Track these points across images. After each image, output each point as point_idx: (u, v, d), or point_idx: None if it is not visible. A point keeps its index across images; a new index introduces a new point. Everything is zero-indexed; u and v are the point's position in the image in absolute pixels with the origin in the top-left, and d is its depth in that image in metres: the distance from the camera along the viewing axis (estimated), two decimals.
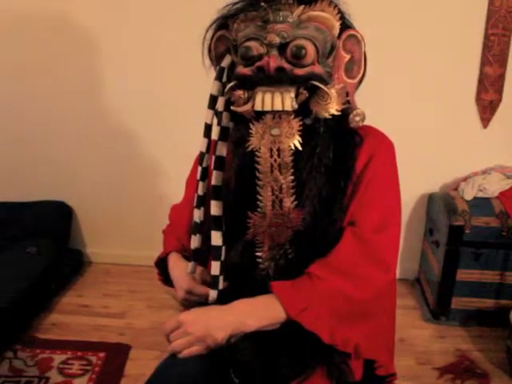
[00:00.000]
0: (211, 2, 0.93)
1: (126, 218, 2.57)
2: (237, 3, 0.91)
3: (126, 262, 2.59)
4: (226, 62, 0.92)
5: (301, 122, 0.85)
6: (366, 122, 0.98)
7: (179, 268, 1.03)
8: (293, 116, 0.85)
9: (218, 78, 0.92)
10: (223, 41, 0.93)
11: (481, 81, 2.22)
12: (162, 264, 1.09)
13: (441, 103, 2.25)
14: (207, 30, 0.95)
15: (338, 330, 0.85)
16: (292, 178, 0.86)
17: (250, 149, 0.85)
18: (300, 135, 0.84)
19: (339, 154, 0.91)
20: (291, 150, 0.84)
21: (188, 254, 1.04)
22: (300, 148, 0.84)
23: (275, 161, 0.85)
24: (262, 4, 0.85)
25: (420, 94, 2.25)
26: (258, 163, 0.86)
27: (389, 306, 0.99)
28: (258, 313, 0.86)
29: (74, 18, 2.29)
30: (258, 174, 0.86)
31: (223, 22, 0.93)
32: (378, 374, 0.94)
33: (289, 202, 0.87)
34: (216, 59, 0.95)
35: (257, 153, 0.85)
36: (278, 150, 0.84)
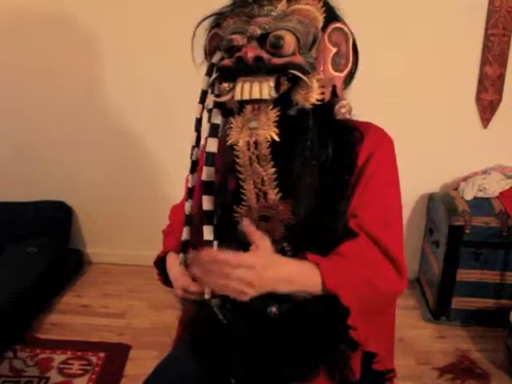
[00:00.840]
0: (210, 2, 0.93)
1: (126, 218, 2.57)
2: (232, 4, 0.92)
3: (126, 262, 2.59)
4: (215, 58, 0.92)
5: (279, 113, 0.84)
6: (367, 120, 0.98)
7: (176, 267, 1.02)
8: (271, 107, 0.84)
9: (208, 73, 0.93)
10: (216, 39, 0.94)
11: (481, 81, 2.22)
12: (160, 264, 1.09)
13: (441, 103, 2.25)
14: (197, 27, 0.95)
15: (362, 317, 0.85)
16: (273, 170, 0.85)
17: (229, 143, 0.85)
18: (279, 126, 0.83)
19: (339, 149, 0.91)
20: (268, 141, 0.83)
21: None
22: (277, 139, 0.83)
23: (253, 153, 0.84)
24: (249, 0, 0.87)
25: (420, 94, 2.24)
26: (237, 157, 0.86)
27: (395, 303, 1.00)
28: (298, 280, 0.84)
29: (75, 19, 2.29)
30: (238, 168, 0.86)
31: (216, 21, 0.94)
32: (376, 368, 0.94)
33: (273, 195, 0.87)
34: (208, 56, 0.96)
35: (235, 147, 0.85)
36: (255, 142, 0.84)
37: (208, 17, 0.94)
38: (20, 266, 2.16)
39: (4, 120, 2.47)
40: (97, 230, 2.63)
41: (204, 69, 0.96)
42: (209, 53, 0.96)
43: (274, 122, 0.83)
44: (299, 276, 0.84)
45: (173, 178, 2.26)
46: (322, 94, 0.86)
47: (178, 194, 1.18)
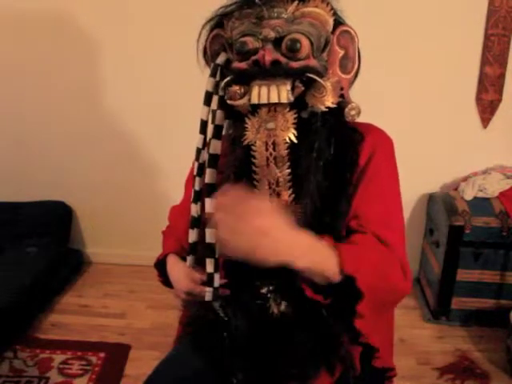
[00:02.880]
0: (210, 3, 0.93)
1: (126, 218, 2.57)
2: (232, 4, 0.92)
3: (126, 262, 2.58)
4: (220, 59, 0.92)
5: (296, 115, 0.85)
6: (367, 121, 0.98)
7: (177, 270, 1.03)
8: (287, 109, 0.85)
9: (213, 74, 0.93)
10: (218, 39, 0.94)
11: (481, 81, 2.22)
12: (160, 265, 1.09)
13: (441, 103, 2.25)
14: (203, 28, 0.95)
15: (371, 307, 0.83)
16: (288, 171, 0.86)
17: (245, 143, 0.86)
18: (295, 128, 0.84)
19: (340, 150, 0.91)
20: (286, 143, 0.85)
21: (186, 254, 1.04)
22: (295, 141, 0.84)
23: (271, 154, 0.85)
24: (257, 1, 0.86)
25: (420, 94, 2.24)
26: (253, 157, 0.86)
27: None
28: (316, 257, 0.79)
29: (74, 19, 2.29)
30: (254, 168, 0.87)
31: (218, 21, 0.94)
32: (376, 365, 0.94)
33: (286, 196, 0.87)
34: (211, 58, 0.96)
35: (252, 147, 0.86)
36: (274, 143, 0.84)
37: (213, 18, 0.94)
38: (20, 266, 2.16)
39: (4, 120, 2.47)
40: (97, 230, 2.63)
41: (206, 70, 0.96)
42: (211, 54, 0.95)
43: (293, 124, 0.84)
44: (317, 252, 0.79)
45: (172, 179, 2.26)
46: (336, 97, 0.87)
47: (178, 194, 1.18)
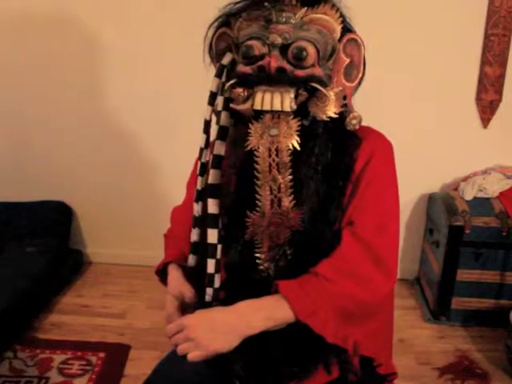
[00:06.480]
0: (212, 2, 0.93)
1: (126, 219, 2.57)
2: (239, 2, 0.91)
3: (126, 262, 2.59)
4: (226, 60, 0.92)
5: (299, 123, 0.85)
6: (367, 122, 0.98)
7: (173, 283, 1.01)
8: (291, 116, 0.85)
9: (218, 75, 0.92)
10: (224, 38, 0.93)
11: (481, 81, 2.22)
12: (162, 272, 1.08)
13: (441, 103, 2.25)
14: (209, 27, 0.95)
15: (342, 331, 0.86)
16: (290, 177, 0.86)
17: (248, 148, 0.86)
18: (298, 135, 0.84)
19: (338, 154, 0.91)
20: (289, 149, 0.85)
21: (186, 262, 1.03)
22: (298, 148, 0.84)
23: (273, 160, 0.85)
24: (266, 4, 0.86)
25: (420, 94, 2.25)
26: (256, 163, 0.86)
27: (389, 307, 1.00)
28: (264, 313, 0.85)
29: (75, 19, 2.29)
30: (256, 174, 0.87)
31: (225, 20, 0.93)
32: (379, 372, 0.94)
33: (287, 202, 0.87)
34: (216, 56, 0.95)
35: (255, 152, 0.85)
36: (277, 149, 0.84)
37: (220, 17, 0.93)
38: (20, 266, 2.16)
39: (4, 120, 2.47)
40: (97, 230, 2.63)
41: (209, 70, 0.96)
42: (217, 52, 0.95)
43: (296, 131, 0.84)
44: (264, 310, 0.85)
45: (172, 179, 2.26)
46: (339, 106, 0.87)
47: (178, 194, 1.18)
